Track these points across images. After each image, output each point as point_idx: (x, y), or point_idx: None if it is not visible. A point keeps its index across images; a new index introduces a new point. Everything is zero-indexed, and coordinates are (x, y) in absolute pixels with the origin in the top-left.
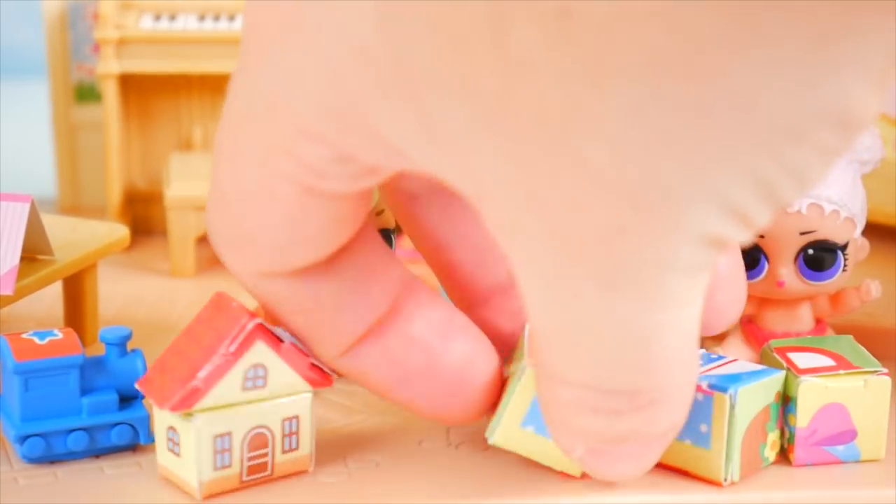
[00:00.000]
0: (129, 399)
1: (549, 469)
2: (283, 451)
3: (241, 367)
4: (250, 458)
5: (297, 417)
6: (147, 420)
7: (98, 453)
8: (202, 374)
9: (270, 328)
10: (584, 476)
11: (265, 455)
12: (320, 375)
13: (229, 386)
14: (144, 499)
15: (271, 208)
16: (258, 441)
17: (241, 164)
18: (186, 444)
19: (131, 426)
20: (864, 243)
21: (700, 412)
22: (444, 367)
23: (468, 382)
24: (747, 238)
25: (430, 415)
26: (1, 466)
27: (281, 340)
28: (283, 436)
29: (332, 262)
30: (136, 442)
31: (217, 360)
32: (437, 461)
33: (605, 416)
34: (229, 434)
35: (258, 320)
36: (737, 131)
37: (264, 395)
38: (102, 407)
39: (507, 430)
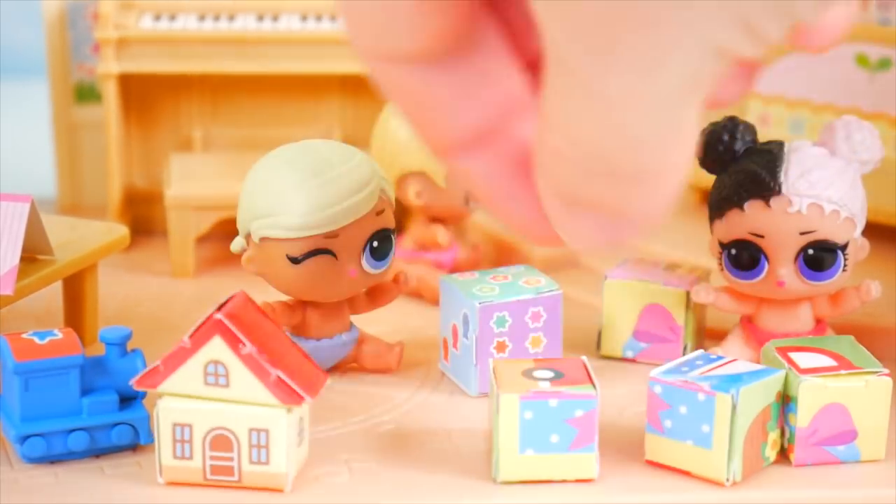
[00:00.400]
0: (129, 399)
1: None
2: (251, 462)
3: (201, 360)
4: (213, 458)
5: (266, 431)
6: (147, 420)
7: (98, 453)
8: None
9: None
10: (600, 478)
11: (230, 459)
12: (287, 392)
13: (189, 376)
14: (144, 499)
15: None
16: (221, 442)
17: None
18: (155, 428)
19: (131, 426)
20: (864, 243)
21: (702, 413)
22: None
23: None
24: (760, 53)
25: (528, 231)
26: (1, 466)
27: (242, 343)
28: (251, 446)
29: (443, 63)
30: (136, 442)
31: (177, 346)
32: (437, 461)
33: (581, 173)
34: (189, 426)
35: (220, 316)
36: None
37: (227, 397)
38: (102, 407)
39: (509, 463)
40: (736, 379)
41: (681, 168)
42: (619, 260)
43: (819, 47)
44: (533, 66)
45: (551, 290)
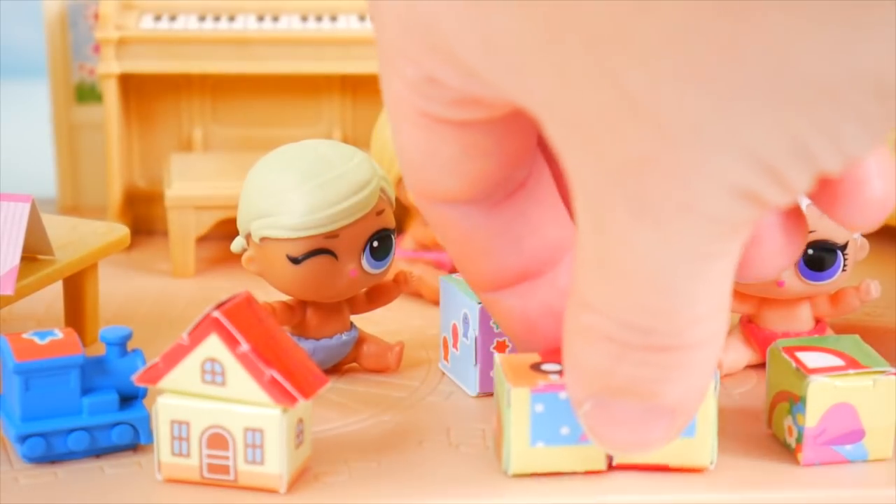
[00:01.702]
0: (129, 399)
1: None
2: (246, 461)
3: (198, 357)
4: (209, 456)
5: (261, 431)
6: (147, 420)
7: (98, 453)
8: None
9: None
10: (609, 468)
11: (226, 458)
12: (281, 392)
13: (187, 373)
14: (144, 499)
15: (407, 132)
16: (217, 441)
17: (385, 88)
18: (154, 425)
19: (131, 426)
20: (864, 243)
21: None
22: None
23: None
24: (788, 201)
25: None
26: (1, 466)
27: (238, 342)
28: (246, 445)
29: (491, 205)
30: (137, 442)
31: (175, 343)
32: (437, 461)
33: (617, 348)
34: (187, 424)
35: (218, 314)
36: (768, 80)
37: (223, 395)
38: (103, 407)
39: (519, 455)
40: None
41: (716, 342)
42: None
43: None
44: None
45: None
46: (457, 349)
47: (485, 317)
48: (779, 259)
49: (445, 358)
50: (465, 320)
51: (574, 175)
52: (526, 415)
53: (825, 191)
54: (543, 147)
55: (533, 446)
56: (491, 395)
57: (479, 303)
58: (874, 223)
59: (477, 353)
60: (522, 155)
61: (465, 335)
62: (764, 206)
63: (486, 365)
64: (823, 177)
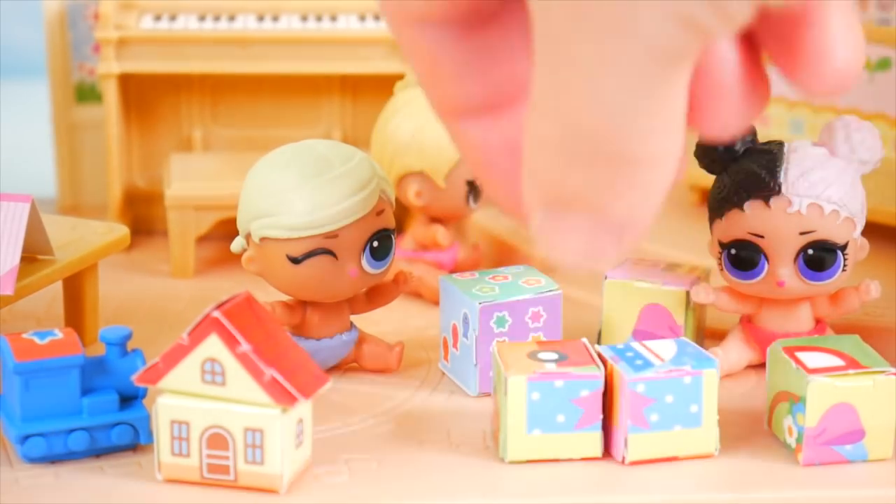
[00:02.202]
0: (129, 399)
1: (552, 468)
2: (246, 461)
3: (198, 357)
4: (209, 456)
5: (261, 431)
6: (147, 420)
7: (98, 453)
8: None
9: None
10: (605, 455)
11: (226, 458)
12: (281, 392)
13: (187, 373)
14: (144, 499)
15: None
16: (217, 441)
17: None
18: (154, 425)
19: (131, 426)
20: (864, 243)
21: (690, 395)
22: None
23: None
24: (730, 31)
25: (508, 208)
26: (1, 466)
27: (238, 342)
28: (245, 445)
29: (462, 29)
30: (137, 442)
31: (175, 343)
32: (437, 461)
33: (570, 160)
34: (187, 424)
35: (218, 314)
36: None
37: (223, 395)
38: (103, 407)
39: (516, 443)
40: (701, 354)
41: (665, 161)
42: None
43: (823, 91)
44: None
45: (551, 290)
46: (457, 349)
47: (485, 317)
48: (738, 113)
49: (445, 358)
50: (465, 320)
51: None
52: (522, 403)
53: (787, 56)
54: None
55: (529, 434)
56: (491, 395)
57: (480, 303)
58: (836, 91)
59: (477, 353)
60: None
61: (465, 335)
62: (704, 36)
63: (486, 365)
64: (763, 8)
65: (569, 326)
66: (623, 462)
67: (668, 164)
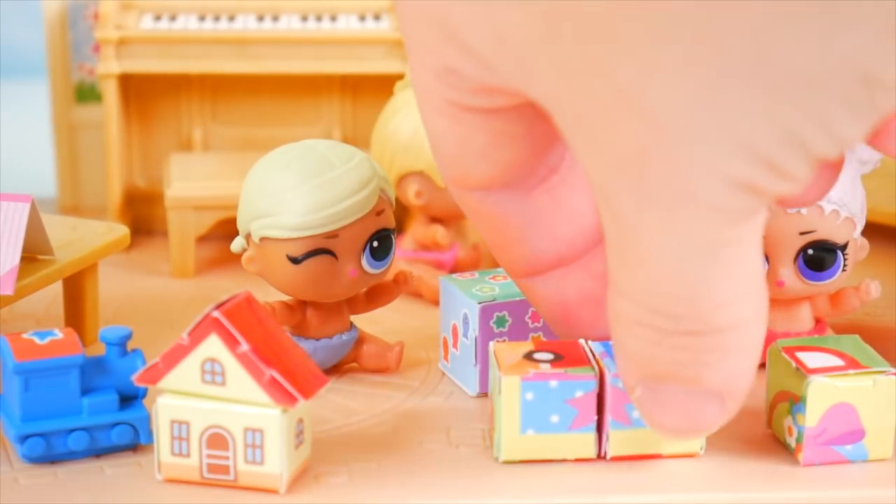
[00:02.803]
0: (129, 399)
1: (550, 469)
2: (246, 461)
3: (198, 357)
4: (209, 456)
5: (261, 431)
6: (147, 420)
7: (98, 453)
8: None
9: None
10: (599, 457)
11: (226, 458)
12: (281, 392)
13: (187, 373)
14: (144, 499)
15: (437, 122)
16: (217, 441)
17: (413, 79)
18: (154, 425)
19: (131, 426)
20: (864, 243)
21: None
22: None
23: None
24: (790, 188)
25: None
26: (1, 466)
27: (238, 342)
28: (246, 445)
29: (523, 192)
30: (137, 442)
31: (175, 343)
32: (437, 461)
33: (652, 334)
34: (187, 424)
35: (218, 314)
36: (752, 70)
37: (223, 395)
38: (103, 407)
39: (510, 442)
40: None
41: (749, 324)
42: None
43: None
44: None
45: None
46: (457, 349)
47: (485, 317)
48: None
49: (445, 358)
50: (465, 320)
51: (584, 165)
52: (516, 403)
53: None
54: None
55: (523, 434)
56: (472, 395)
57: (479, 303)
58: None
59: (477, 353)
60: (553, 140)
61: (465, 335)
62: (764, 195)
63: (486, 365)
64: (822, 163)
65: None
66: (605, 458)
67: (753, 325)
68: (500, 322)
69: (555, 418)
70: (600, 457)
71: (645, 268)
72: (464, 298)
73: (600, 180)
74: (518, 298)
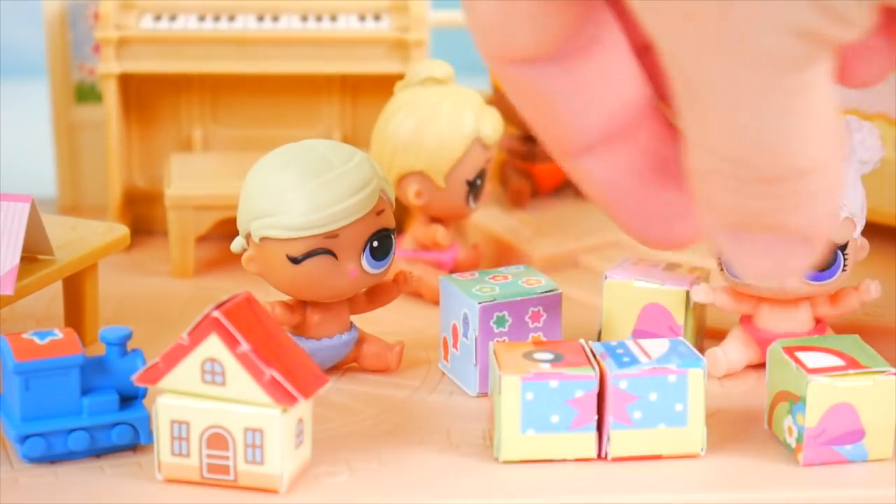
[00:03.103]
0: (129, 399)
1: (550, 469)
2: (246, 461)
3: (198, 357)
4: (209, 456)
5: (261, 431)
6: (147, 420)
7: (98, 453)
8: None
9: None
10: (600, 457)
11: (226, 458)
12: (281, 392)
13: (187, 373)
14: (144, 499)
15: None
16: (217, 441)
17: None
18: (154, 425)
19: (131, 426)
20: (864, 243)
21: (673, 394)
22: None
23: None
24: (852, 34)
25: (643, 236)
26: (1, 466)
27: (238, 342)
28: (246, 445)
29: (566, 64)
30: (137, 442)
31: (175, 343)
32: (437, 461)
33: (737, 186)
34: (187, 424)
35: (218, 314)
36: None
37: (223, 395)
38: (103, 407)
39: (510, 442)
40: (688, 352)
41: (829, 164)
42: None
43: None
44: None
45: (551, 290)
46: (457, 349)
47: (485, 317)
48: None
49: (445, 358)
50: (465, 320)
51: (653, 24)
52: (517, 402)
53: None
54: (615, 5)
55: (523, 433)
56: (471, 395)
57: (480, 303)
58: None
59: (477, 353)
60: (599, 5)
61: (465, 335)
62: (829, 43)
63: (486, 365)
64: (886, 4)
65: (569, 326)
66: (605, 458)
67: (833, 166)
68: (501, 322)
69: (555, 418)
70: (601, 457)
71: (718, 120)
72: (464, 298)
73: (667, 40)
74: (518, 298)
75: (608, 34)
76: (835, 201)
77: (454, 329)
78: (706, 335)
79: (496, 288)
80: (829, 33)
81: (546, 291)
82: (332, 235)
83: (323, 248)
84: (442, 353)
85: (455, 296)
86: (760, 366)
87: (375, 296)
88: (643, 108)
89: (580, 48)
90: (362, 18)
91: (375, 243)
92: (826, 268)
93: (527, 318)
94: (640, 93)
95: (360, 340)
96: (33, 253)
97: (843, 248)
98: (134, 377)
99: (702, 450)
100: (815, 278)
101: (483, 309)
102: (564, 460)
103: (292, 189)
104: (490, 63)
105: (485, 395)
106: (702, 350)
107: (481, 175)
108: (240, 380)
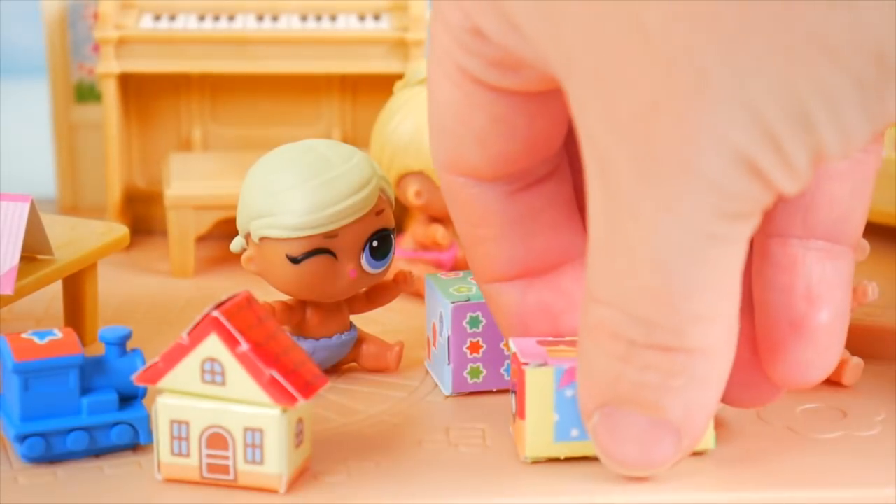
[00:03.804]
0: (128, 399)
1: (552, 468)
2: (246, 461)
3: (198, 357)
4: (209, 456)
5: (260, 430)
6: (147, 420)
7: (98, 453)
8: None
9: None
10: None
11: (226, 458)
12: (281, 392)
13: (187, 373)
14: (144, 499)
15: (445, 90)
16: (216, 440)
17: (430, 44)
18: (153, 425)
19: (131, 426)
20: (864, 245)
21: None
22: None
23: None
24: (789, 184)
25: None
26: (1, 466)
27: (238, 342)
28: (245, 445)
29: (511, 191)
30: (136, 442)
31: (175, 343)
32: (437, 461)
33: (622, 348)
34: (187, 423)
35: (217, 314)
36: (773, 30)
37: (223, 395)
38: (102, 407)
39: (537, 442)
40: None
41: (720, 353)
42: None
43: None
44: None
45: None
46: (435, 348)
47: (458, 317)
48: (820, 364)
49: (429, 356)
50: (441, 320)
51: (590, 133)
52: (550, 398)
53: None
54: (570, 154)
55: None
56: (466, 394)
57: (453, 302)
58: (792, 384)
59: (449, 353)
60: (549, 144)
61: (441, 334)
62: (766, 184)
63: (459, 365)
64: (821, 162)
65: None
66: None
67: (723, 358)
68: (474, 322)
69: (574, 432)
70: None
71: (631, 256)
72: (440, 298)
73: (605, 146)
74: None
75: (559, 179)
76: (715, 396)
77: (434, 328)
78: None
79: (473, 288)
80: (768, 169)
81: None
82: (331, 235)
83: (322, 248)
84: (427, 351)
85: (435, 295)
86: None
87: (375, 296)
88: (574, 255)
89: (525, 182)
90: (362, 18)
91: (375, 243)
92: None
93: None
94: (576, 241)
95: (360, 340)
96: (33, 253)
97: None
98: (133, 377)
99: (711, 445)
100: None
101: (455, 309)
102: (551, 469)
103: (292, 189)
104: (439, 171)
105: (459, 395)
106: None
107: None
108: (240, 380)
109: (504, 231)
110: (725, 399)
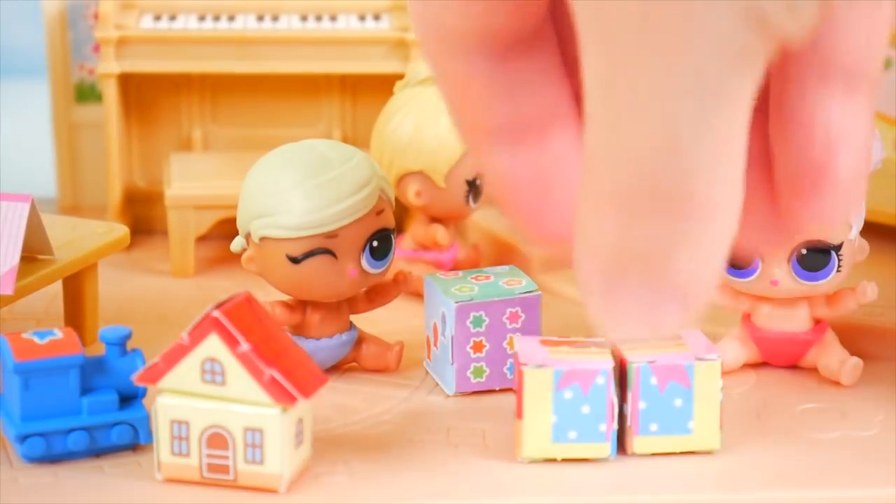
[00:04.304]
0: (129, 399)
1: (553, 467)
2: (246, 461)
3: (198, 357)
4: (209, 456)
5: (260, 430)
6: (147, 419)
7: (98, 453)
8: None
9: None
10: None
11: (226, 458)
12: (281, 392)
13: (187, 373)
14: (144, 499)
15: None
16: (217, 440)
17: None
18: (153, 425)
19: (131, 426)
20: (863, 245)
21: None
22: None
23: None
24: (795, 28)
25: (530, 236)
26: (1, 466)
27: (238, 342)
28: (245, 445)
29: (495, 54)
30: (136, 442)
31: (175, 343)
32: (437, 461)
33: (625, 211)
34: (187, 423)
35: (218, 314)
36: None
37: (224, 395)
38: (102, 407)
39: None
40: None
41: (727, 212)
42: None
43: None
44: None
45: (530, 291)
46: (437, 348)
47: (461, 316)
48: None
49: (429, 356)
50: (443, 319)
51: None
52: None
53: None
54: (556, 20)
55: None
56: (470, 394)
57: (457, 302)
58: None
59: (453, 353)
60: (536, 9)
61: (444, 334)
62: (774, 38)
63: (463, 365)
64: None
65: (568, 326)
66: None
67: (729, 216)
68: (477, 322)
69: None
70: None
71: (632, 115)
72: (442, 297)
73: (599, 19)
74: (496, 299)
75: (544, 41)
76: (720, 259)
77: (435, 328)
78: (705, 335)
79: (475, 288)
80: (780, 25)
81: (525, 292)
82: (331, 235)
83: (323, 248)
84: (426, 351)
85: (436, 295)
86: (760, 365)
87: (375, 296)
88: (564, 117)
89: (509, 41)
90: (362, 18)
91: (375, 243)
92: (820, 268)
93: (504, 319)
94: (563, 102)
95: (360, 340)
96: (33, 253)
97: (838, 248)
98: (134, 377)
99: (716, 446)
100: (808, 278)
101: (459, 308)
102: (549, 469)
103: (292, 189)
104: (423, 49)
105: (462, 394)
106: None
107: (481, 175)
108: (240, 379)
109: (491, 93)
110: (737, 248)
